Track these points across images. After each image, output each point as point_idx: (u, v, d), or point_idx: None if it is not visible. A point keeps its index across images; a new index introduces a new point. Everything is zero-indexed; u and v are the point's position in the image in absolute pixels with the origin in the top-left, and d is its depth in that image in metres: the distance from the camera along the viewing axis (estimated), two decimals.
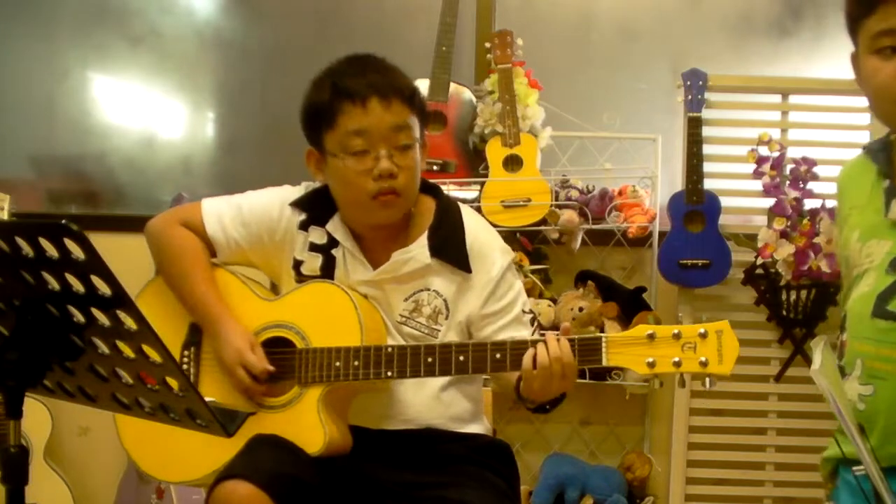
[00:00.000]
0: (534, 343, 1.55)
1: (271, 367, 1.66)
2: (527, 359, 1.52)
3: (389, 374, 1.61)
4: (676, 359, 1.47)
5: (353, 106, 1.62)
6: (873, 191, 1.53)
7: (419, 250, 1.70)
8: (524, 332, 1.71)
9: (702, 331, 1.47)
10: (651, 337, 1.49)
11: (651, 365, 1.48)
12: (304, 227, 1.76)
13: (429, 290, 1.71)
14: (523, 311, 1.74)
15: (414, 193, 1.71)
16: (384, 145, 1.63)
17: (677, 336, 1.48)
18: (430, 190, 1.79)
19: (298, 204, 1.77)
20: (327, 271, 1.74)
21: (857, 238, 1.53)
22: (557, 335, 1.54)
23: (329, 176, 1.70)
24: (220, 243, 1.79)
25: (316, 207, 1.75)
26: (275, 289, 1.86)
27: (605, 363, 1.51)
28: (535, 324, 1.76)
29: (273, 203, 1.79)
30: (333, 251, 1.74)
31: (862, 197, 1.55)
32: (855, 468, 1.45)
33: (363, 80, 1.63)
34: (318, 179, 1.75)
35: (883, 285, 1.48)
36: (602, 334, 1.54)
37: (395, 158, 1.64)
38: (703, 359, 1.46)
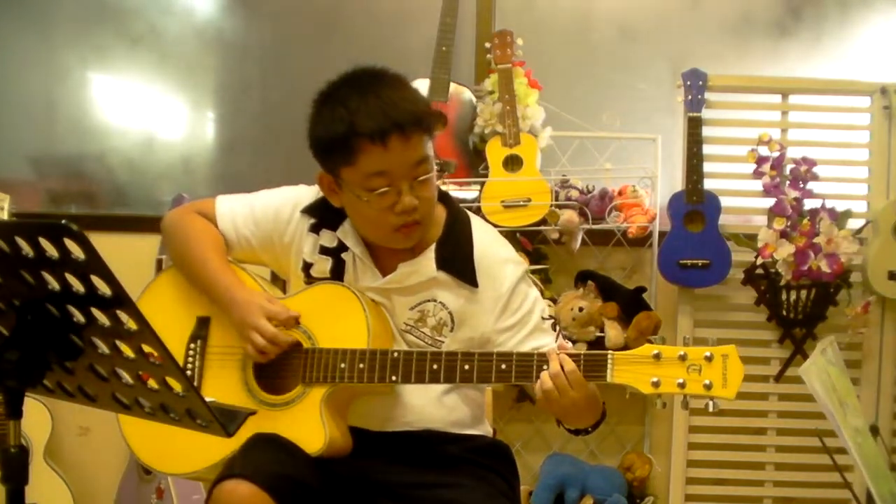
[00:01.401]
0: (539, 357, 1.55)
1: (296, 313, 1.65)
2: (536, 390, 1.53)
3: (394, 378, 1.61)
4: (681, 380, 1.48)
5: (373, 145, 1.56)
6: None
7: (426, 262, 1.69)
8: (547, 340, 1.70)
9: (708, 354, 1.48)
10: (657, 357, 1.49)
11: (655, 385, 1.48)
12: (314, 230, 1.76)
13: (435, 301, 1.70)
14: (542, 318, 1.72)
15: (433, 216, 1.70)
16: (406, 181, 1.60)
17: (683, 357, 1.48)
18: (441, 198, 1.77)
19: (309, 210, 1.76)
20: (336, 275, 1.73)
21: None
22: (558, 353, 1.54)
23: (346, 204, 1.68)
24: (231, 240, 1.80)
25: (327, 213, 1.74)
26: (276, 282, 1.85)
27: (609, 380, 1.51)
28: (557, 329, 1.75)
29: (285, 204, 1.79)
30: (343, 255, 1.74)
31: None
32: None
33: (380, 114, 1.56)
34: (332, 201, 1.71)
35: None
36: (609, 351, 1.54)
37: (416, 190, 1.61)
38: (707, 381, 1.47)
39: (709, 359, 1.48)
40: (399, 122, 1.55)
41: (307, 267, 1.76)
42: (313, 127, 1.64)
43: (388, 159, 1.57)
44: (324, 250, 1.75)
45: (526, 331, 1.70)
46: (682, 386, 1.48)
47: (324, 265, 1.74)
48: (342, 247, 1.74)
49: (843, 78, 3.16)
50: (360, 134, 1.55)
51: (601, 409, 1.64)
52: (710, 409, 1.49)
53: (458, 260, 1.70)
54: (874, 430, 2.87)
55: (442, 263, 1.69)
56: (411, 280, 1.70)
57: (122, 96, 3.36)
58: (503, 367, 1.57)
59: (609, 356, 1.52)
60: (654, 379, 1.48)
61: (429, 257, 1.70)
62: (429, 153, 1.62)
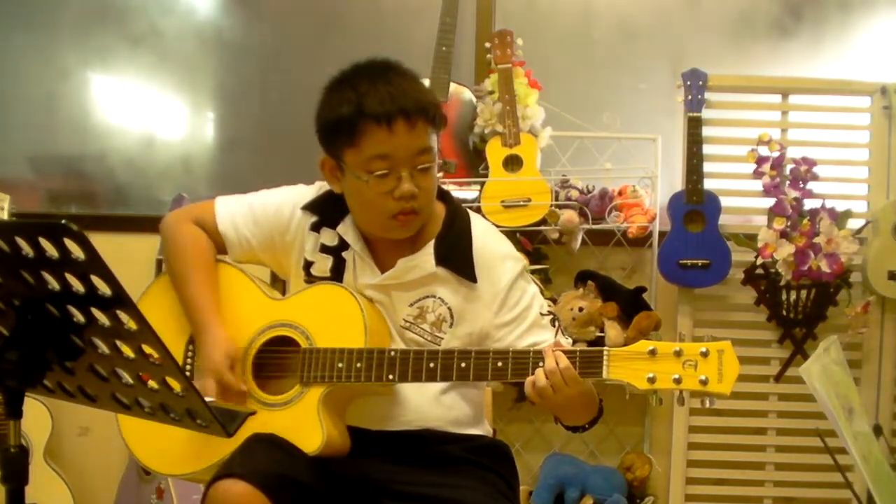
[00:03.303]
0: (535, 354, 1.55)
1: (244, 387, 1.66)
2: (527, 386, 1.54)
3: (391, 377, 1.61)
4: (676, 376, 1.47)
5: (378, 128, 1.57)
6: None
7: (425, 258, 1.70)
8: (546, 336, 1.70)
9: (703, 349, 1.48)
10: (652, 353, 1.49)
11: (651, 380, 1.48)
12: (315, 228, 1.76)
13: (434, 297, 1.71)
14: (541, 314, 1.72)
15: (431, 209, 1.70)
16: (407, 168, 1.61)
17: (678, 353, 1.48)
18: (441, 195, 1.77)
19: (310, 207, 1.77)
20: (337, 273, 1.74)
21: None
22: (553, 349, 1.54)
23: (346, 188, 1.69)
24: (231, 241, 1.80)
25: (328, 210, 1.74)
26: (276, 283, 1.85)
27: (605, 376, 1.51)
28: (557, 324, 1.75)
29: (285, 203, 1.79)
30: (344, 254, 1.74)
31: None
32: None
33: (388, 99, 1.58)
34: (333, 187, 1.72)
35: None
36: (604, 347, 1.54)
37: (416, 179, 1.62)
38: (703, 377, 1.47)
39: (704, 354, 1.48)
40: (405, 107, 1.57)
41: (308, 265, 1.76)
42: (321, 110, 1.66)
43: (391, 143, 1.58)
44: (324, 249, 1.75)
45: (524, 326, 1.70)
46: (677, 381, 1.47)
47: (324, 264, 1.74)
48: (343, 245, 1.74)
49: (843, 78, 3.16)
50: (367, 115, 1.57)
51: (597, 405, 1.65)
52: (707, 405, 1.49)
53: (457, 256, 1.70)
54: (877, 430, 2.87)
55: (441, 259, 1.69)
56: (411, 275, 1.70)
57: (122, 96, 3.36)
58: (499, 364, 1.57)
59: (605, 352, 1.52)
60: (650, 375, 1.48)
61: (428, 252, 1.70)
62: (432, 145, 1.63)
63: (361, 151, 1.60)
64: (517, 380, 1.57)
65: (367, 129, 1.58)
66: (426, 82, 2.91)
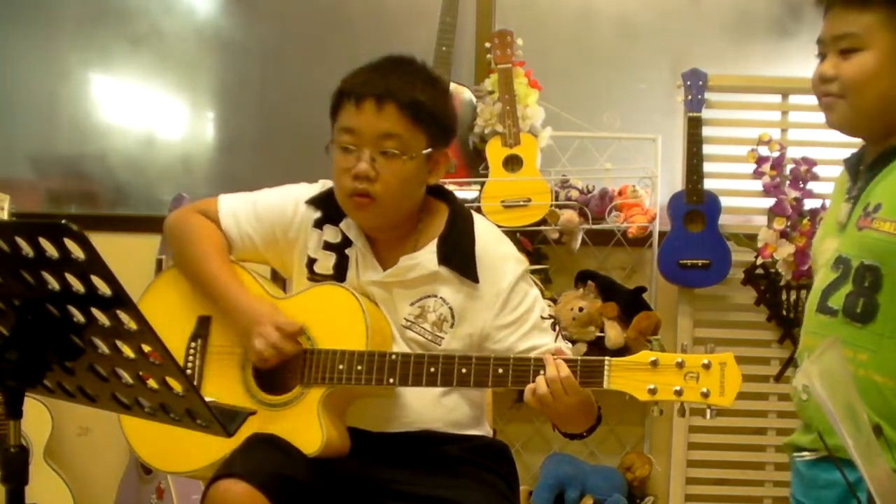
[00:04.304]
0: (536, 361, 1.56)
1: (301, 324, 1.66)
2: (527, 393, 1.54)
3: (391, 380, 1.61)
4: (678, 387, 1.48)
5: (349, 103, 1.64)
6: (839, 197, 1.67)
7: (427, 257, 1.70)
8: (546, 339, 1.70)
9: (705, 361, 1.48)
10: (654, 364, 1.49)
11: (652, 392, 1.48)
12: (318, 225, 1.77)
13: (436, 296, 1.71)
14: (542, 318, 1.73)
15: (395, 205, 1.68)
16: (369, 148, 1.63)
17: (680, 365, 1.48)
18: (444, 195, 1.78)
19: (314, 202, 1.78)
20: (340, 270, 1.74)
21: (819, 238, 1.68)
22: (554, 357, 1.54)
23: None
24: (233, 238, 1.80)
25: (331, 205, 1.75)
26: (276, 281, 1.86)
27: (606, 386, 1.51)
28: (557, 328, 1.75)
29: (288, 200, 1.80)
30: (347, 251, 1.74)
31: (835, 204, 1.70)
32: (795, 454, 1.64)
33: (367, 82, 1.64)
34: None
35: (827, 281, 1.58)
36: (606, 357, 1.54)
37: (378, 163, 1.63)
38: (704, 389, 1.47)
39: (706, 366, 1.48)
40: (378, 91, 1.62)
41: (311, 262, 1.76)
42: None
43: (357, 120, 1.63)
44: (328, 246, 1.76)
45: (525, 328, 1.70)
46: (678, 393, 1.48)
47: (328, 261, 1.75)
48: (346, 242, 1.74)
49: None
50: (344, 92, 1.66)
51: (596, 413, 1.65)
52: (708, 417, 1.49)
53: (459, 255, 1.71)
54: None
55: (443, 258, 1.70)
56: (413, 273, 1.70)
57: (122, 96, 3.36)
58: (500, 371, 1.57)
59: (606, 363, 1.52)
60: (651, 386, 1.48)
61: (431, 251, 1.70)
62: (403, 135, 1.63)
63: (337, 123, 1.68)
64: (517, 387, 1.57)
65: (342, 104, 1.66)
66: None
